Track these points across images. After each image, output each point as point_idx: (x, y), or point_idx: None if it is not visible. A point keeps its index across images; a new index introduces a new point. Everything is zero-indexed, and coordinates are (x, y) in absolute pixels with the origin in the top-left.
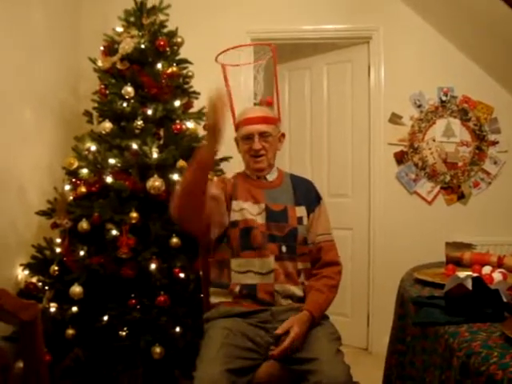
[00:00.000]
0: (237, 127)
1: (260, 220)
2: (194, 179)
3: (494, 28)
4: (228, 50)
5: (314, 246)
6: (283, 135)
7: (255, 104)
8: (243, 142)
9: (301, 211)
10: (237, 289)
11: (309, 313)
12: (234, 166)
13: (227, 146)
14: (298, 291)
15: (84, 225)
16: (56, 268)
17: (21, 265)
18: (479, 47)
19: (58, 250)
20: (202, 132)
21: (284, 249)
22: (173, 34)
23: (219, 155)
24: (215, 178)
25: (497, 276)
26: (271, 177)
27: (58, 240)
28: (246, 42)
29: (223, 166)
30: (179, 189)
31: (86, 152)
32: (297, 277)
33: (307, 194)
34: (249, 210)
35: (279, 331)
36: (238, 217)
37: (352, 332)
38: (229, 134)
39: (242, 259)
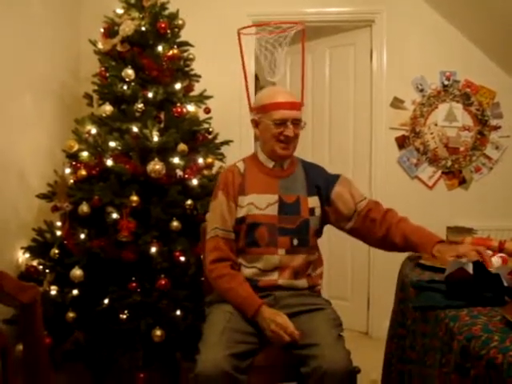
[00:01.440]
0: (263, 109)
1: (272, 211)
2: (232, 304)
3: (498, 13)
4: (252, 26)
5: (359, 214)
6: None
7: (257, 84)
8: (275, 126)
9: (313, 202)
10: None
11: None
12: (235, 149)
13: (228, 130)
14: (302, 284)
15: (84, 208)
16: (56, 251)
17: (21, 248)
18: (482, 32)
19: (59, 233)
20: (202, 115)
21: (296, 242)
22: (174, 17)
23: (220, 139)
24: (221, 177)
25: (496, 261)
26: (286, 164)
27: (59, 223)
28: (247, 25)
29: (223, 149)
30: (218, 287)
31: (87, 135)
32: (306, 269)
33: (321, 181)
34: (255, 205)
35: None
36: (244, 212)
37: (352, 316)
38: (231, 116)
39: (248, 255)
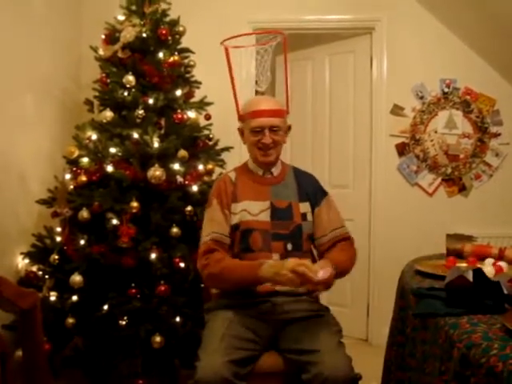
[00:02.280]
0: (244, 117)
1: (265, 218)
2: (241, 286)
3: (498, 20)
4: (237, 36)
5: (330, 241)
6: (289, 127)
7: (257, 91)
8: (252, 134)
9: (305, 207)
10: None
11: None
12: (235, 156)
13: (228, 136)
14: (300, 289)
15: (84, 214)
16: (56, 257)
17: (21, 253)
18: (482, 39)
19: (59, 238)
20: (202, 121)
21: (290, 247)
22: (175, 23)
23: (220, 145)
24: (214, 186)
25: (489, 270)
26: (276, 171)
27: (59, 229)
28: (248, 32)
29: (224, 156)
30: (215, 273)
31: (87, 141)
32: None
33: (311, 189)
34: (248, 211)
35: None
36: (238, 219)
37: (352, 323)
38: (232, 123)
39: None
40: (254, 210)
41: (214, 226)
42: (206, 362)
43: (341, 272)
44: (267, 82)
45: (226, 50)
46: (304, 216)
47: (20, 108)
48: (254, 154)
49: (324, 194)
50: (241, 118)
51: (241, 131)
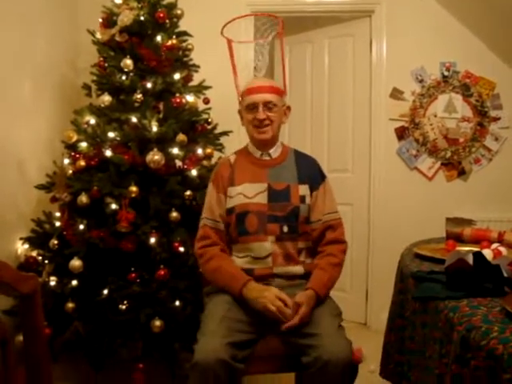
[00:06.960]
0: (241, 98)
1: (261, 200)
2: (221, 284)
3: (499, 4)
4: (234, 19)
5: (322, 224)
6: (289, 108)
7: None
8: (247, 111)
9: (304, 190)
10: None
11: (314, 292)
12: (234, 140)
13: (228, 120)
14: (298, 270)
15: (83, 199)
16: (56, 242)
17: (21, 239)
18: (482, 22)
19: (58, 223)
20: (201, 105)
21: (285, 229)
22: (172, 6)
23: (219, 130)
24: (213, 170)
25: (487, 253)
26: (275, 153)
27: (58, 214)
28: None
29: (222, 140)
30: (208, 269)
31: (85, 125)
32: (297, 256)
33: (311, 171)
34: (244, 194)
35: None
36: (233, 203)
37: (351, 307)
38: (230, 107)
39: (240, 244)
40: (250, 192)
41: (206, 211)
42: (204, 343)
43: (328, 291)
44: (265, 67)
45: (229, 42)
46: (303, 198)
47: (18, 93)
48: (251, 132)
49: (322, 178)
50: (239, 100)
51: (240, 113)
